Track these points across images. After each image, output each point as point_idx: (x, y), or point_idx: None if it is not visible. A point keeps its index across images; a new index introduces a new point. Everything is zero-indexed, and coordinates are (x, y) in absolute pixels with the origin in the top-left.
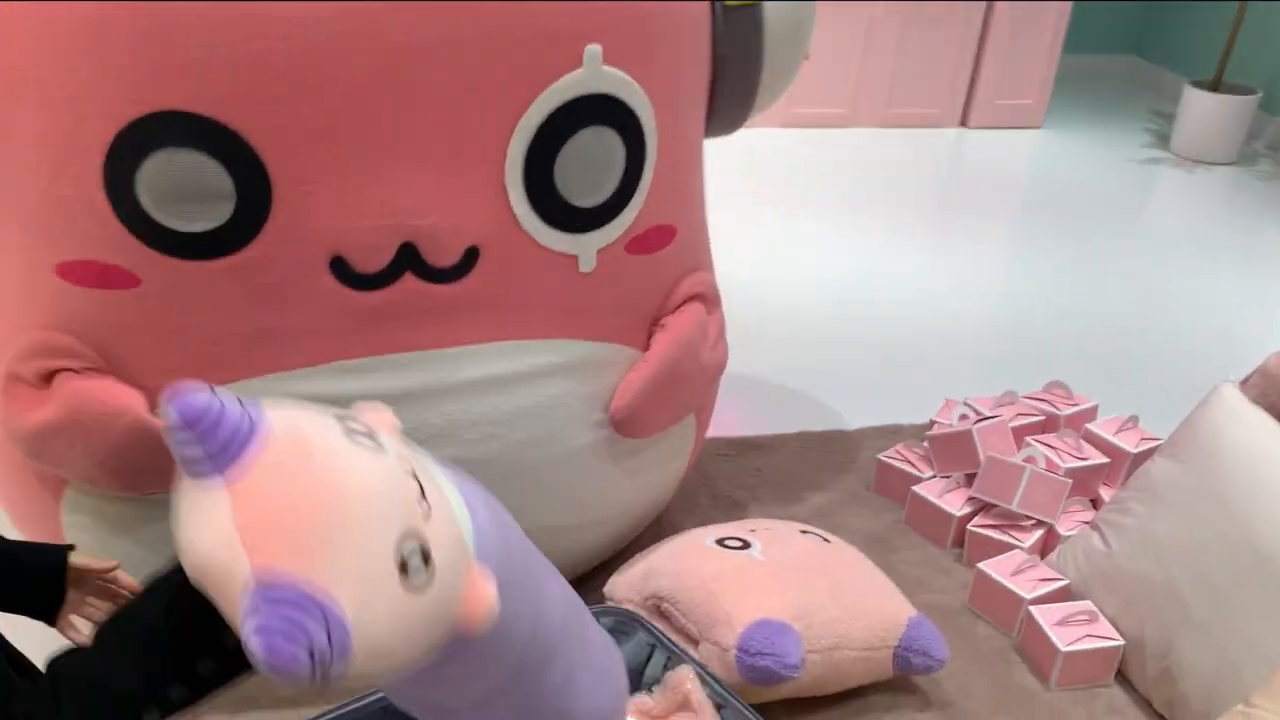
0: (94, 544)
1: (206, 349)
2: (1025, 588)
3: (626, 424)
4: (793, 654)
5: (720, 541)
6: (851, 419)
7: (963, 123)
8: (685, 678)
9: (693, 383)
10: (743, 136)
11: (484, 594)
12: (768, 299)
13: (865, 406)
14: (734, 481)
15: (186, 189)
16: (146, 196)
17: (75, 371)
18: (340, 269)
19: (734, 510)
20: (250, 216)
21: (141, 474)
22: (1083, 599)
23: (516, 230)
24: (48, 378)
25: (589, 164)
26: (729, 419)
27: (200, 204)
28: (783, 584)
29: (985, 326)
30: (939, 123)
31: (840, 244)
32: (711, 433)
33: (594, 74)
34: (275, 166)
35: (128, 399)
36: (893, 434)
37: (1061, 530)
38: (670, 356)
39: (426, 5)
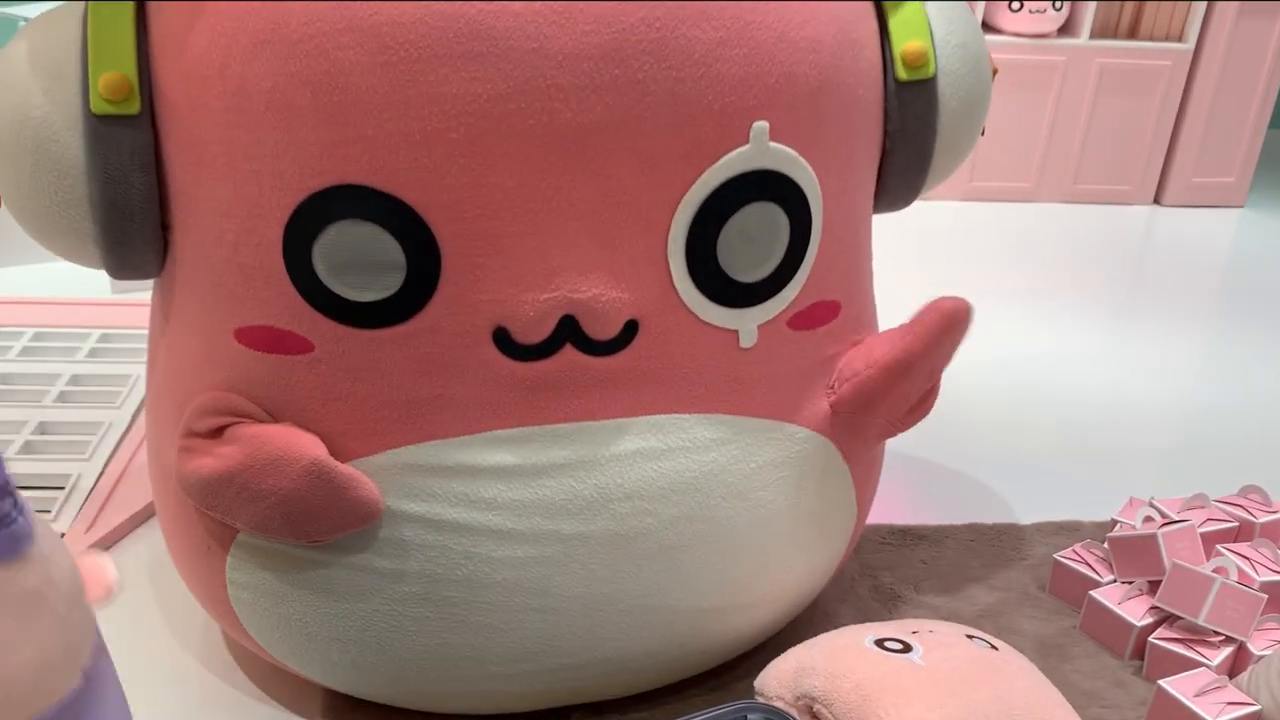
0: (254, 603)
1: (370, 415)
2: (1211, 711)
3: (852, 395)
4: None
5: (879, 643)
6: (1025, 513)
7: (1156, 200)
8: None
9: (912, 381)
10: (920, 209)
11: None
12: (941, 381)
13: (1040, 501)
14: (895, 573)
15: (360, 260)
16: (322, 266)
17: (251, 421)
18: (502, 340)
19: (893, 603)
20: (419, 288)
21: (318, 518)
22: None
23: (677, 304)
24: (220, 432)
25: (752, 239)
26: (894, 507)
27: (372, 275)
28: (944, 693)
29: (1175, 421)
30: (1130, 199)
31: (1021, 325)
32: (875, 520)
33: (760, 150)
34: (445, 240)
35: (307, 441)
36: (1070, 531)
37: (1254, 649)
38: (916, 343)
39: (598, 84)
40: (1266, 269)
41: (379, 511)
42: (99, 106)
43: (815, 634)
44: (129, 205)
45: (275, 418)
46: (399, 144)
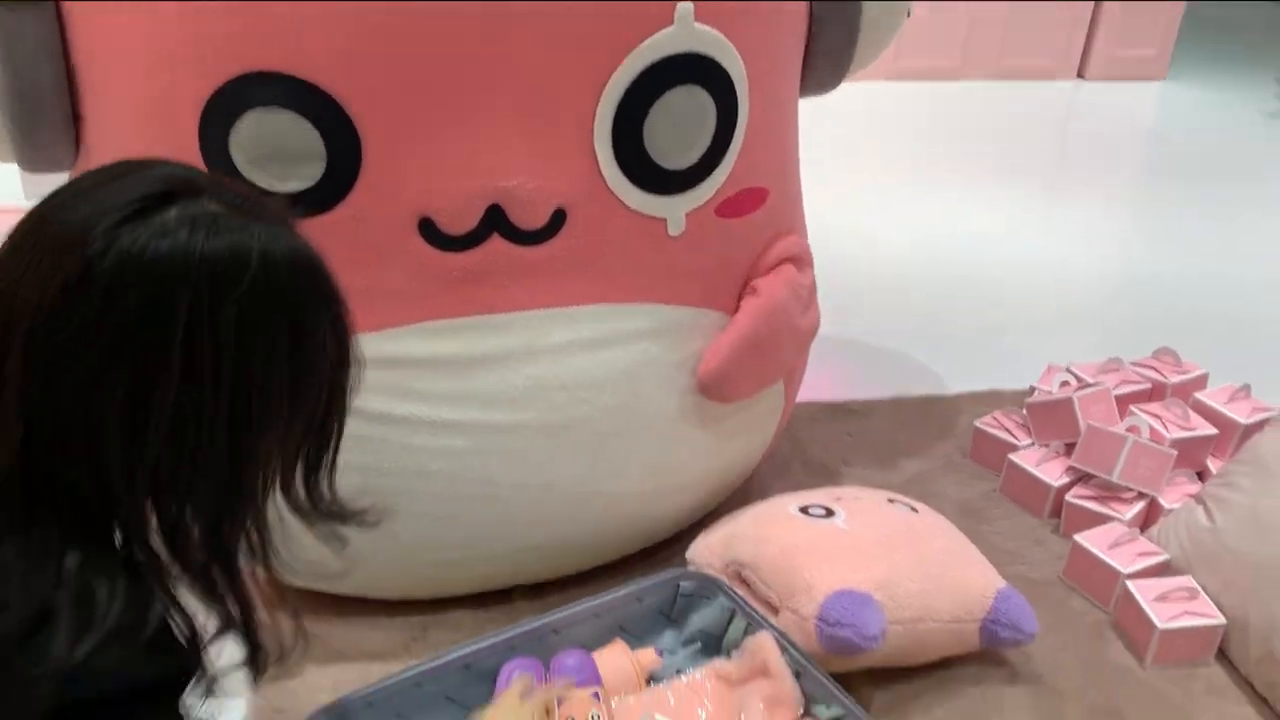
0: None
1: None
2: (1123, 562)
3: (714, 388)
4: (872, 625)
5: (804, 509)
6: (950, 384)
7: (1080, 74)
8: (765, 643)
9: (783, 348)
10: (846, 89)
11: None
12: (868, 258)
13: (965, 372)
14: (826, 447)
15: (278, 149)
16: (240, 155)
17: None
18: (428, 230)
19: (825, 476)
20: (341, 176)
21: None
22: (1184, 575)
23: (605, 192)
24: None
25: (679, 124)
26: (823, 383)
27: (292, 164)
28: (866, 554)
29: (1096, 290)
30: (1054, 74)
31: (948, 201)
32: (804, 396)
33: (685, 32)
34: (365, 127)
35: None
36: (992, 400)
37: (1165, 504)
38: (760, 321)
39: None
40: (1185, 141)
41: None
42: None
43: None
44: (38, 95)
45: None
46: (314, 29)
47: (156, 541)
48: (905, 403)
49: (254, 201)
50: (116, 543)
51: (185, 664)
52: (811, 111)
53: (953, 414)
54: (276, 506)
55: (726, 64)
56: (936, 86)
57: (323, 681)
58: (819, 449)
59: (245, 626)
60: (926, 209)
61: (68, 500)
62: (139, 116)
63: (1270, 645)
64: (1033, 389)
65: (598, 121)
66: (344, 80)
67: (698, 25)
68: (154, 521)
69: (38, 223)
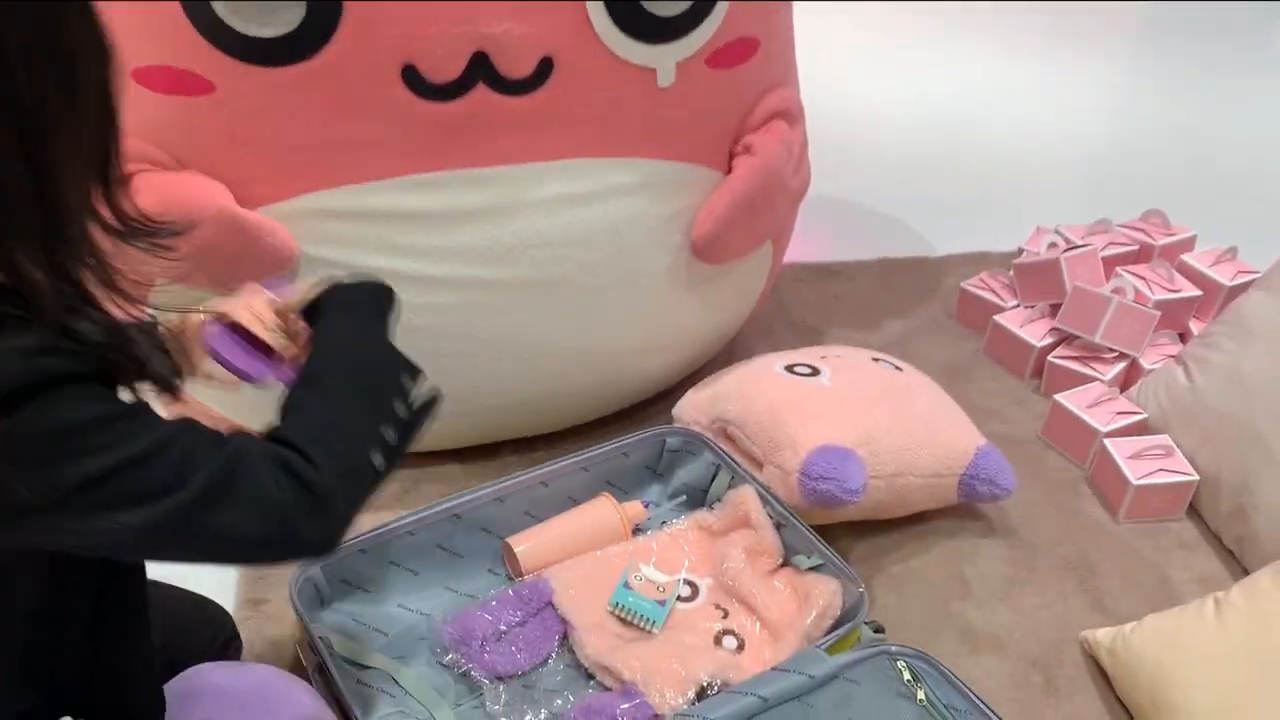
0: None
1: (280, 158)
2: (1101, 420)
3: (707, 250)
4: (854, 479)
5: (789, 368)
6: (938, 246)
7: None
8: (746, 496)
9: (775, 207)
10: None
11: None
12: (854, 116)
13: (953, 233)
14: (811, 308)
15: None
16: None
17: (159, 168)
18: (412, 78)
19: (810, 337)
20: (320, 22)
21: (232, 266)
22: (1161, 434)
23: (593, 40)
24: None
25: None
26: (810, 244)
27: (271, 8)
28: (849, 410)
29: (1088, 150)
30: None
31: (940, 61)
32: (791, 257)
33: None
34: None
35: (214, 190)
36: (979, 262)
37: (1146, 364)
38: (755, 181)
39: None
40: (1189, 1)
41: (293, 257)
42: None
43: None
44: None
45: (182, 164)
46: None
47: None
48: (891, 264)
49: None
50: None
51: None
52: None
53: (939, 275)
54: None
55: None
56: None
57: None
58: (804, 310)
59: (123, 348)
60: (919, 66)
61: None
62: None
63: (1240, 500)
64: (1021, 250)
65: None
66: None
67: None
68: None
69: None
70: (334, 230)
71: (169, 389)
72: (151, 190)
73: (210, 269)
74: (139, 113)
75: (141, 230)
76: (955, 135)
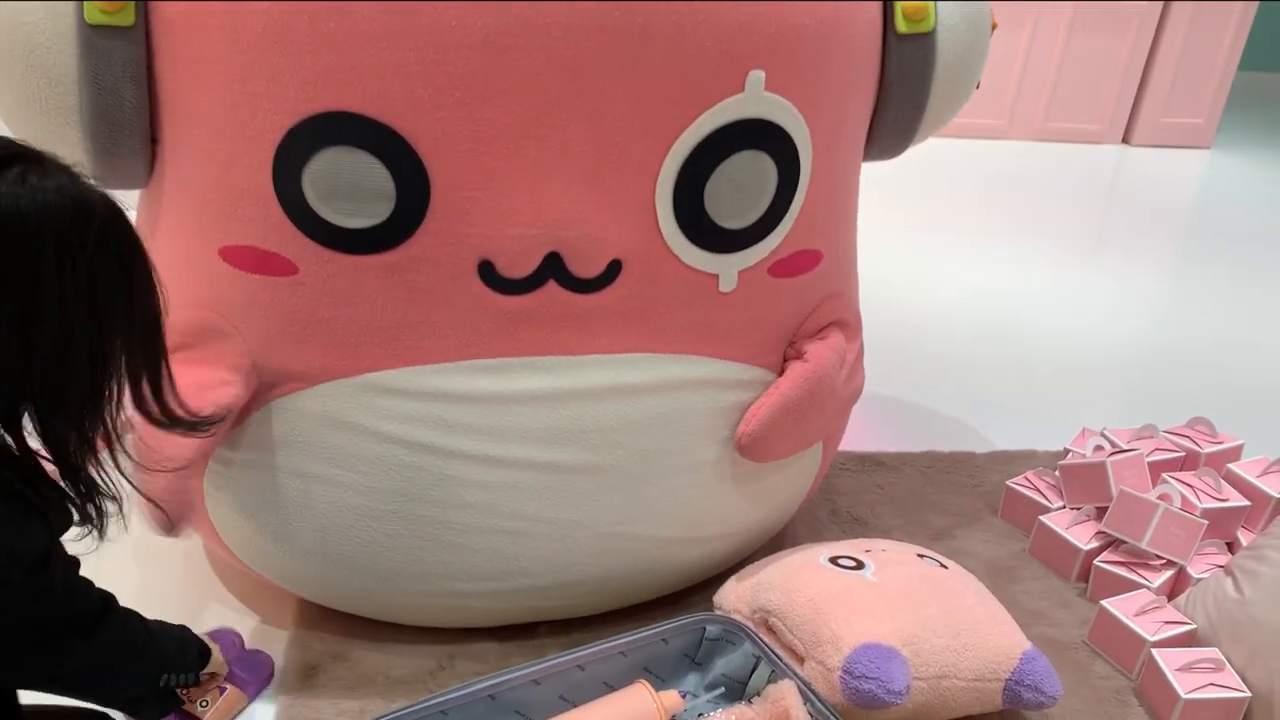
0: (229, 513)
1: (351, 339)
2: (1149, 629)
3: (752, 449)
4: (898, 680)
5: (833, 560)
6: (983, 443)
7: (1125, 139)
8: (787, 691)
9: (824, 413)
10: None
11: None
12: (908, 313)
13: (999, 431)
14: (855, 498)
15: (350, 187)
16: (311, 191)
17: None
18: (487, 273)
19: (853, 527)
20: (408, 217)
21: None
22: (1210, 646)
23: (661, 247)
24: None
25: (740, 187)
26: (856, 434)
27: (361, 202)
28: (894, 608)
29: (1134, 356)
30: (1100, 139)
31: (988, 260)
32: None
33: (755, 99)
34: (436, 172)
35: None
36: (1025, 460)
37: (1193, 573)
38: (803, 388)
39: (600, 25)
40: (1229, 210)
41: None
42: (93, 16)
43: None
44: (119, 116)
45: (253, 337)
46: (394, 73)
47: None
48: (937, 458)
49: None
50: None
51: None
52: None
53: (984, 472)
54: None
55: (792, 131)
56: (982, 144)
57: (348, 705)
58: (848, 500)
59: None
60: (968, 267)
61: None
62: (216, 146)
63: None
64: (1066, 451)
65: (661, 179)
66: (419, 125)
67: (767, 93)
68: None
69: None
70: (395, 407)
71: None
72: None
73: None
74: (219, 287)
75: (184, 422)
76: (1002, 335)
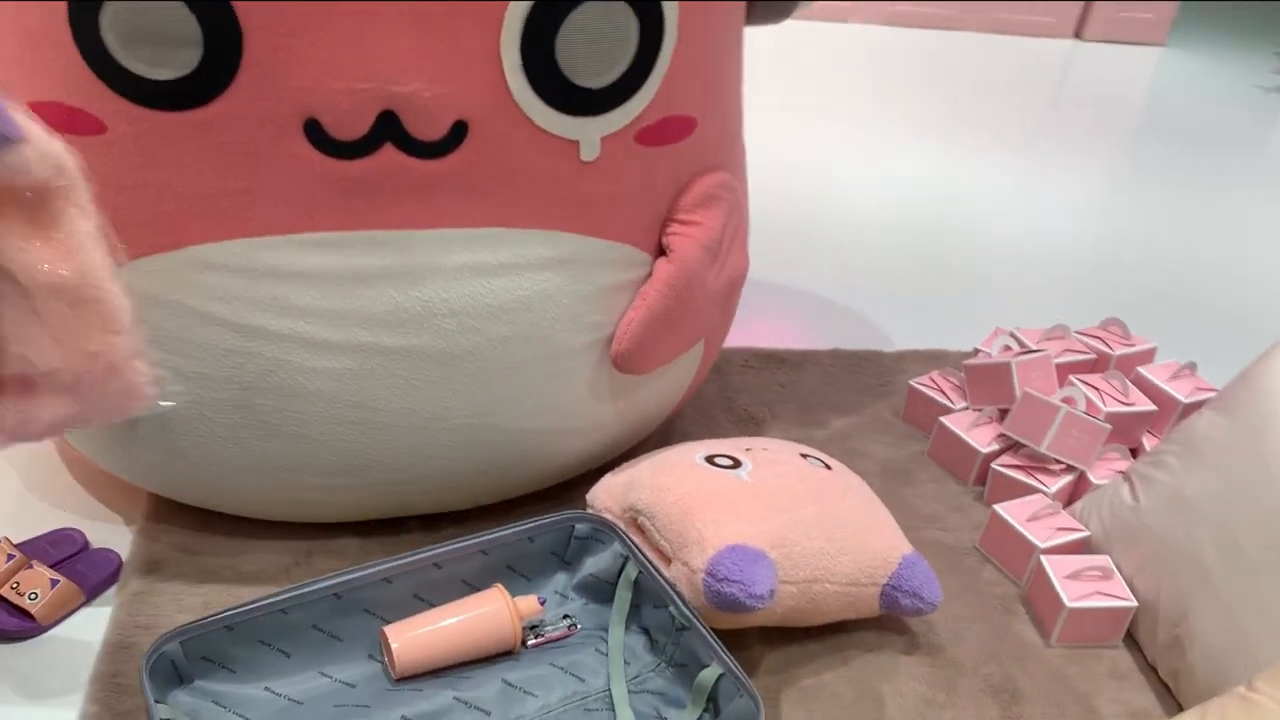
0: None
1: (170, 206)
2: (1040, 535)
3: (628, 364)
4: (761, 584)
5: (710, 459)
6: (895, 341)
7: (1077, 34)
8: None
9: (699, 313)
10: (838, 30)
11: None
12: (830, 204)
13: (913, 329)
14: (754, 396)
15: (151, 31)
16: (111, 36)
17: None
18: (315, 133)
19: (750, 426)
20: (218, 68)
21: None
22: (1102, 554)
23: (511, 107)
24: None
25: (596, 40)
26: (762, 330)
27: (166, 49)
28: (766, 508)
29: (1063, 256)
30: (1052, 32)
31: (926, 154)
32: (739, 343)
33: None
34: (246, 15)
35: None
36: (935, 360)
37: (1094, 478)
38: (671, 294)
39: None
40: (1178, 110)
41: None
42: None
43: (674, 445)
44: None
45: None
46: None
47: None
48: (843, 356)
49: None
50: None
51: None
52: (795, 49)
53: (891, 372)
54: None
55: None
56: (930, 35)
57: (191, 601)
58: (746, 398)
59: None
60: (900, 160)
61: None
62: None
63: (1178, 631)
64: (976, 351)
65: (505, 29)
66: None
67: None
68: None
69: None
70: (222, 285)
71: None
72: None
73: None
74: None
75: None
76: (926, 230)
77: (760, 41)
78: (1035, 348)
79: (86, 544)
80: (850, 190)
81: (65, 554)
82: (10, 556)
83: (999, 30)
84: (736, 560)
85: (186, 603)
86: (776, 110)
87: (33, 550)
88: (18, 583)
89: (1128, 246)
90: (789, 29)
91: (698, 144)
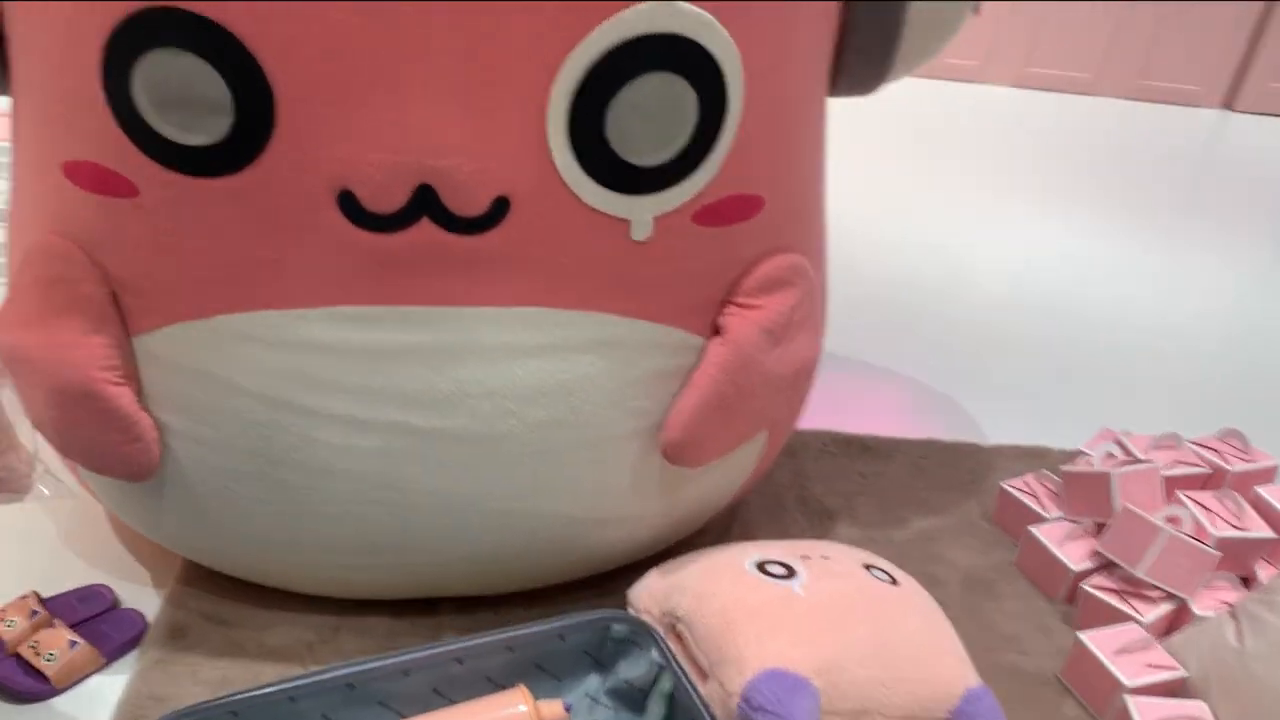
0: None
1: (202, 273)
2: (1128, 671)
3: (679, 457)
4: (800, 715)
5: (761, 565)
6: (994, 432)
7: (1227, 104)
8: None
9: (756, 401)
10: (963, 90)
11: None
12: (943, 281)
13: (1016, 421)
14: (830, 485)
15: (182, 96)
16: (143, 99)
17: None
18: (349, 205)
19: (823, 520)
20: (250, 135)
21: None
22: (1198, 699)
23: (556, 183)
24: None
25: (650, 116)
26: (848, 414)
27: (197, 115)
28: (815, 628)
29: (1190, 350)
30: (1198, 101)
31: (1048, 229)
32: (821, 424)
33: (664, 10)
34: (279, 81)
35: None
36: (1035, 457)
37: (1197, 610)
38: (724, 379)
39: None
40: None
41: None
42: None
43: (727, 545)
44: None
45: (105, 265)
46: None
47: None
48: (934, 447)
49: None
50: None
51: None
52: (915, 108)
53: (986, 468)
54: None
55: (714, 50)
56: (1064, 99)
57: (209, 674)
58: (823, 487)
59: None
60: (1020, 233)
61: None
62: (49, 43)
63: None
64: (1079, 452)
65: (551, 103)
66: (256, 24)
67: (680, 3)
68: None
69: None
70: (250, 356)
71: None
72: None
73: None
74: (66, 209)
75: None
76: (1040, 312)
77: (874, 102)
78: (1142, 457)
79: (115, 602)
80: (963, 264)
81: (92, 611)
82: (34, 613)
83: (1139, 97)
84: (775, 688)
85: (203, 675)
86: (887, 174)
87: (60, 605)
88: (37, 642)
89: (1261, 347)
90: (906, 87)
91: (765, 224)
